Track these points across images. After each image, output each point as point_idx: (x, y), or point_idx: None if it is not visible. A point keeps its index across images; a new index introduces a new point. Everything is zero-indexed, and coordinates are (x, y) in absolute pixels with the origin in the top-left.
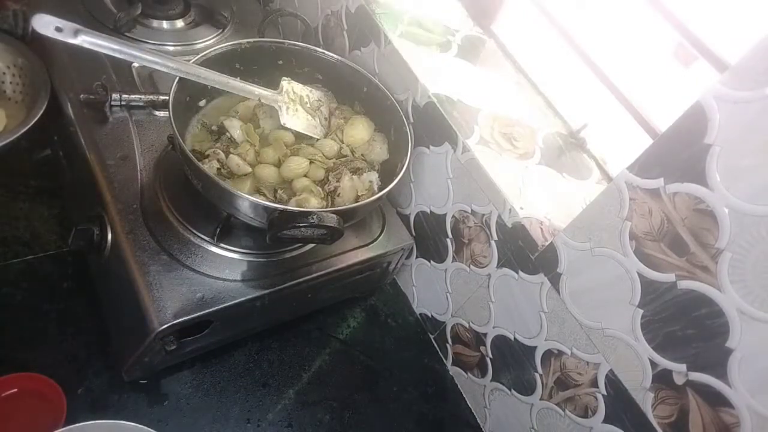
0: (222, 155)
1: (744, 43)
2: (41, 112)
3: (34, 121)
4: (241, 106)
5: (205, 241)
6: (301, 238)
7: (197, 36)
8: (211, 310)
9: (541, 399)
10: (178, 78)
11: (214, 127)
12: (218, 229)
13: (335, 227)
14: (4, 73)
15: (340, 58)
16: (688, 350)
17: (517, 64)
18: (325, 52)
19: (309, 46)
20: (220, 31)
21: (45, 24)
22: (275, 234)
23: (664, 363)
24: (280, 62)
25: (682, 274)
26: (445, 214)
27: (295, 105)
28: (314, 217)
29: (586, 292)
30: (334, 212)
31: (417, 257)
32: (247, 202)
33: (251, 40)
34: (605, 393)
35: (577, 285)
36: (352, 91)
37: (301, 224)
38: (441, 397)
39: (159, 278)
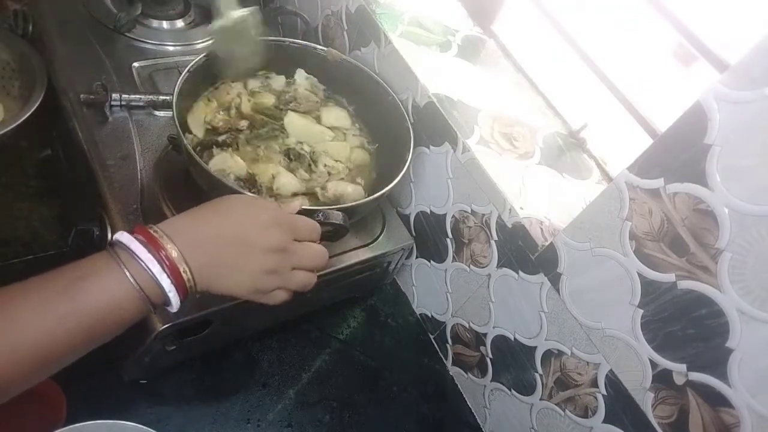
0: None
1: (744, 43)
2: (35, 106)
3: (27, 115)
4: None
5: None
6: None
7: (197, 36)
8: (211, 310)
9: (541, 399)
10: (181, 77)
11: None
12: None
13: (341, 224)
14: (4, 69)
15: (339, 54)
16: (688, 350)
17: (517, 64)
18: (324, 48)
19: (309, 43)
20: None
21: None
22: None
23: (664, 363)
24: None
25: (682, 274)
26: (445, 214)
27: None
28: (320, 214)
29: (586, 292)
30: (339, 209)
31: (417, 257)
32: None
33: None
34: (605, 393)
35: (577, 285)
36: (351, 87)
37: None
38: (441, 397)
39: None
